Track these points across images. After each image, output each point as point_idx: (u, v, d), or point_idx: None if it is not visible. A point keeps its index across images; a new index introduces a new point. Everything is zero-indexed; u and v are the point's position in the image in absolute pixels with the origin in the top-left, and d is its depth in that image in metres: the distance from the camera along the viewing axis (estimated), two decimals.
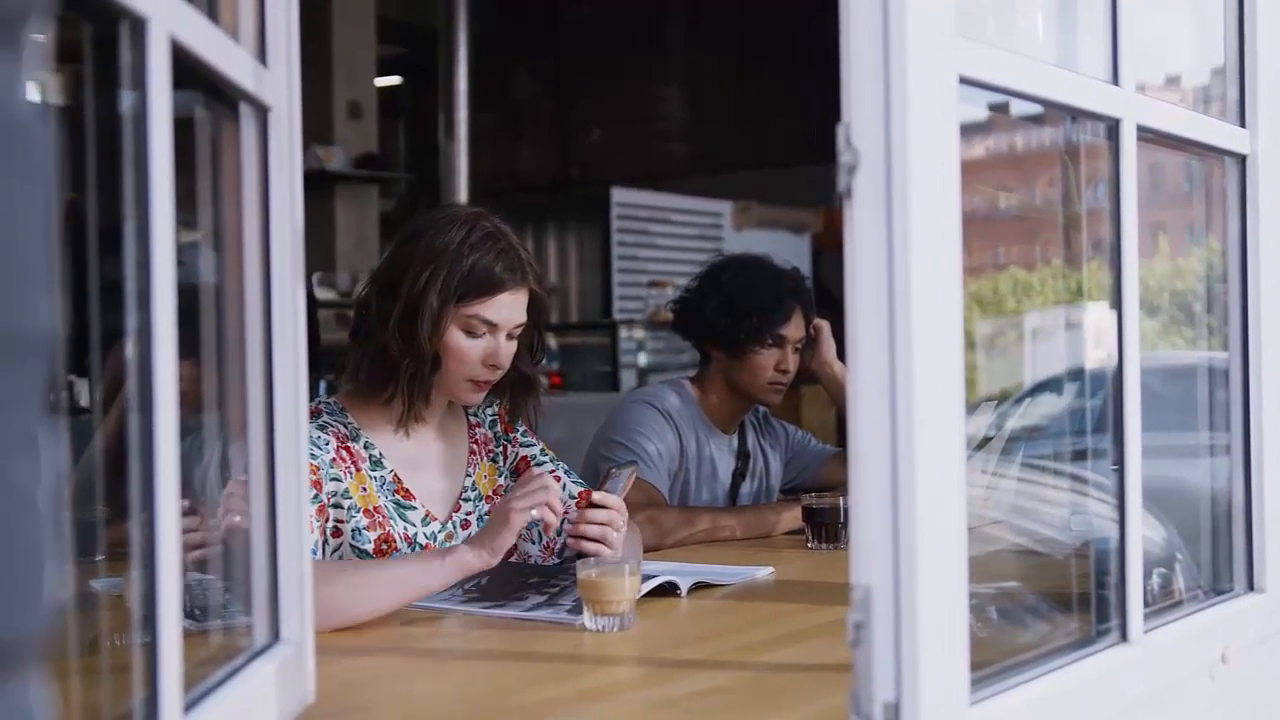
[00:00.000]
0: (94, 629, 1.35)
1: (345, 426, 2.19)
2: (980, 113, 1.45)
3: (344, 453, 2.16)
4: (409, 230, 2.24)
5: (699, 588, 2.16)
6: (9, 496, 0.54)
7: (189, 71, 1.12)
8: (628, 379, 7.41)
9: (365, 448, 2.21)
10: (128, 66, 1.01)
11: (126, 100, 1.02)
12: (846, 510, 2.63)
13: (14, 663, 0.55)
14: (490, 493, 2.35)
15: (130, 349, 1.02)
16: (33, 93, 0.57)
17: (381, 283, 2.20)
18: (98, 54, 1.03)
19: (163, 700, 1.01)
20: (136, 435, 1.01)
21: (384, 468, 2.21)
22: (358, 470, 2.17)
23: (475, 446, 2.36)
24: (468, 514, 2.30)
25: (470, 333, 2.18)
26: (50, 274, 0.57)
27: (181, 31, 1.06)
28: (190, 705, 1.10)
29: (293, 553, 1.38)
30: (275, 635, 1.37)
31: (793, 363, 3.00)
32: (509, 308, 2.20)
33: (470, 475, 2.33)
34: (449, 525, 2.27)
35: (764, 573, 2.33)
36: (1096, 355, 1.93)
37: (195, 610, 1.36)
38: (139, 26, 0.99)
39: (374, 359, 2.19)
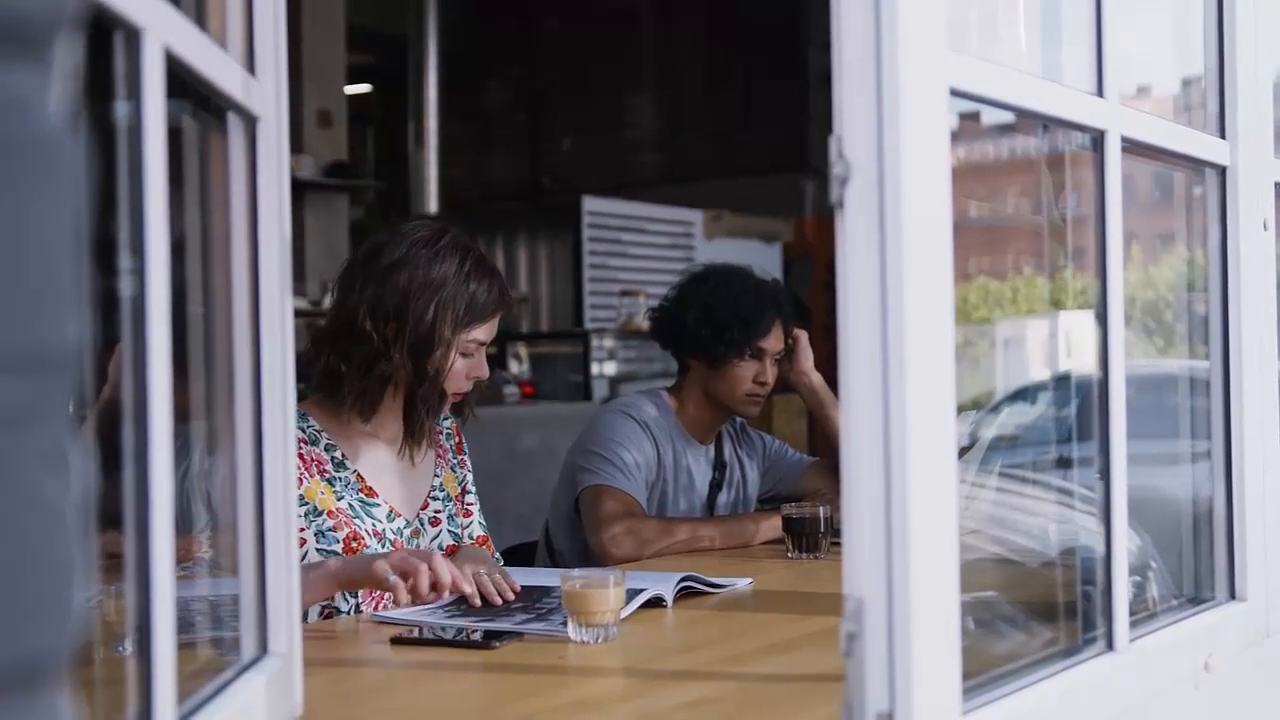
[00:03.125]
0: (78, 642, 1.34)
1: (303, 431, 2.22)
2: (951, 121, 1.46)
3: (298, 459, 2.17)
4: (393, 257, 2.25)
5: (684, 595, 2.16)
6: (39, 512, 0.54)
7: (178, 80, 1.11)
8: (599, 388, 7.40)
9: (326, 450, 2.26)
10: (122, 76, 1.00)
11: (120, 110, 1.02)
12: (826, 520, 2.64)
13: (46, 679, 0.54)
14: (456, 495, 2.44)
15: (125, 359, 1.01)
16: (61, 105, 0.57)
17: (375, 309, 2.22)
18: (89, 63, 1.03)
19: (157, 715, 1.00)
20: (131, 447, 1.00)
21: (347, 469, 2.26)
22: (313, 476, 2.22)
23: (441, 450, 2.45)
24: (436, 511, 2.39)
25: (465, 354, 2.28)
26: (79, 288, 0.57)
27: (175, 42, 1.05)
28: (181, 719, 1.09)
29: (281, 566, 1.38)
30: (263, 648, 1.36)
31: (771, 375, 3.01)
32: (495, 326, 2.33)
33: (439, 476, 2.41)
34: (415, 522, 2.34)
35: (744, 583, 2.33)
36: (1070, 364, 1.95)
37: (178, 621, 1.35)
38: (134, 36, 0.99)
39: (378, 386, 2.24)
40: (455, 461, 2.48)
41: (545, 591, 2.16)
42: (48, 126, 0.56)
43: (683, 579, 2.17)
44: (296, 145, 7.31)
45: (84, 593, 0.58)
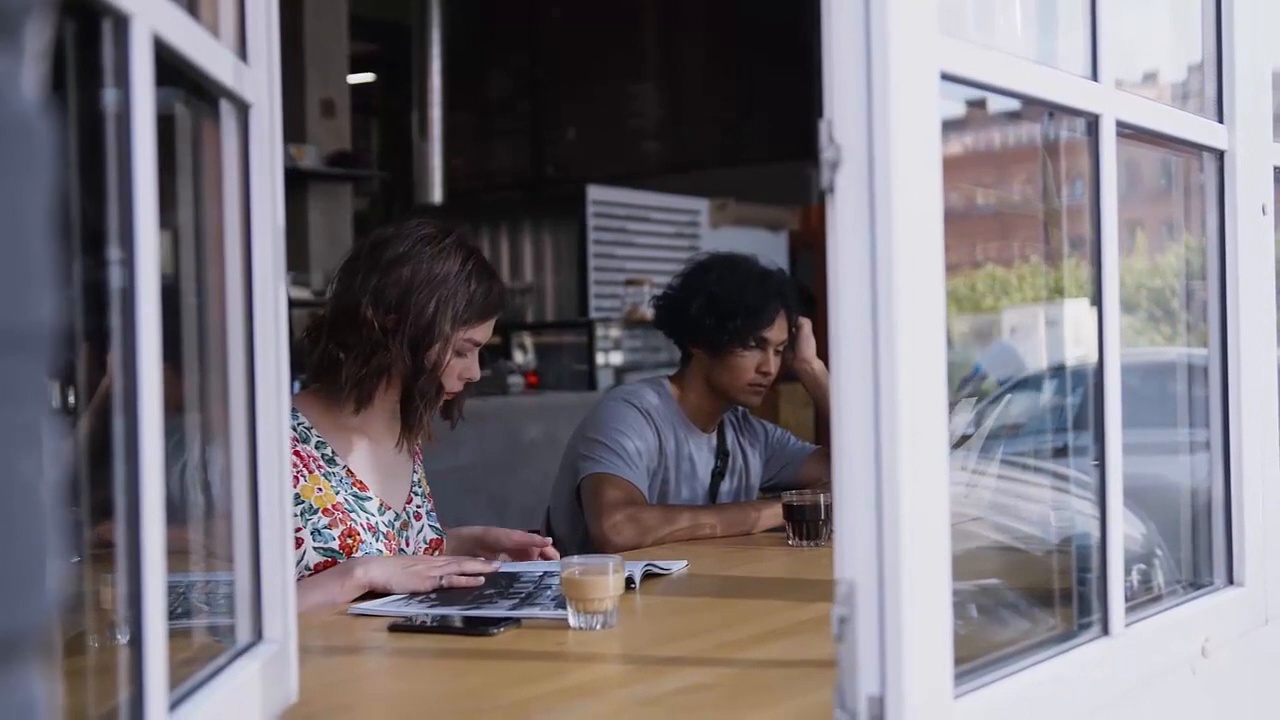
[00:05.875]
0: (71, 629, 1.35)
1: (294, 429, 2.23)
2: (957, 109, 1.46)
3: (294, 457, 2.19)
4: (397, 251, 2.27)
5: (648, 577, 2.21)
6: (14, 490, 0.54)
7: (169, 68, 1.11)
8: (604, 378, 7.41)
9: (317, 447, 2.28)
10: (110, 63, 1.00)
11: (108, 97, 1.02)
12: (827, 507, 2.64)
13: (18, 655, 0.55)
14: (428, 493, 2.49)
15: (113, 349, 1.01)
16: (33, 88, 0.57)
17: (377, 300, 2.24)
18: (79, 50, 1.03)
19: (148, 699, 1.00)
20: (121, 436, 1.00)
21: (338, 464, 2.29)
22: (311, 472, 2.24)
23: (417, 449, 2.48)
24: (418, 507, 2.43)
25: (459, 353, 2.30)
26: (51, 269, 0.57)
27: (164, 28, 1.05)
28: (174, 704, 1.10)
29: (275, 552, 1.38)
30: (258, 634, 1.37)
31: (774, 365, 3.00)
32: (491, 329, 2.36)
33: (416, 473, 2.46)
34: (404, 515, 2.38)
35: (680, 565, 2.37)
36: (1075, 352, 1.95)
37: (175, 609, 1.35)
38: (122, 23, 0.99)
39: (375, 376, 2.26)
40: (423, 459, 2.53)
41: (515, 578, 2.18)
42: (18, 109, 0.56)
43: (645, 572, 2.22)
44: (300, 135, 7.32)
45: (59, 570, 0.58)
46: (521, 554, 2.40)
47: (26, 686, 0.55)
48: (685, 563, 2.40)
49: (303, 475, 2.21)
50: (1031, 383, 2.66)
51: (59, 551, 0.58)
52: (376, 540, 2.26)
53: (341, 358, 2.24)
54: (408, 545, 2.35)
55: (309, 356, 2.30)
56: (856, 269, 1.16)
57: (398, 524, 2.35)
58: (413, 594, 2.08)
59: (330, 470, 2.27)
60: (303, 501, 2.20)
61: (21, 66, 0.56)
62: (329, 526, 2.21)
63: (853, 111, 1.16)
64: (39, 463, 0.56)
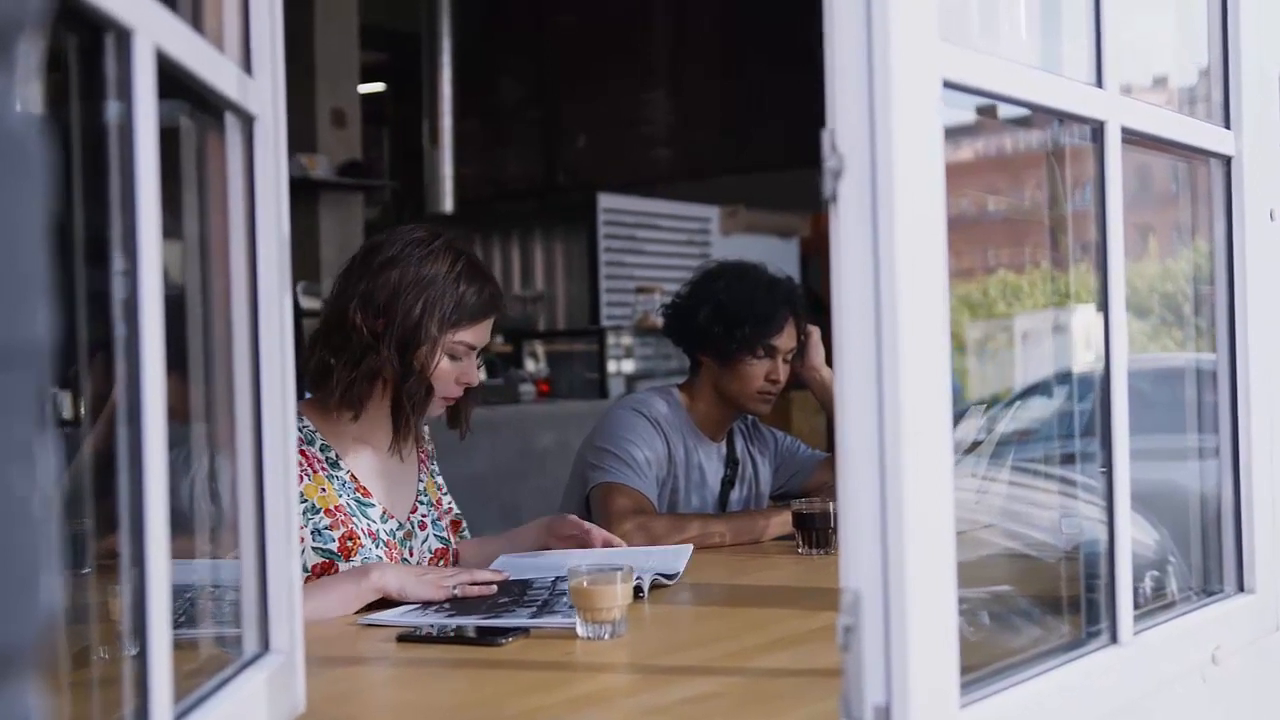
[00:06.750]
0: (80, 641, 1.35)
1: (300, 431, 2.24)
2: (968, 115, 1.46)
3: (299, 457, 2.19)
4: (386, 255, 2.28)
5: (655, 587, 2.20)
6: (6, 506, 0.54)
7: (173, 81, 1.11)
8: (616, 386, 7.40)
9: (321, 450, 2.29)
10: (113, 77, 1.00)
11: (111, 110, 1.02)
12: (836, 515, 2.63)
13: (11, 671, 0.55)
14: (435, 501, 2.48)
15: (117, 361, 1.02)
16: (27, 104, 0.57)
17: (365, 304, 2.25)
18: (82, 63, 1.03)
19: (153, 711, 1.01)
20: (125, 448, 1.00)
21: (342, 469, 2.30)
22: (315, 473, 2.25)
23: (423, 457, 2.48)
24: (423, 516, 2.43)
25: (453, 356, 2.30)
26: (45, 284, 0.57)
27: (167, 42, 1.06)
28: (180, 716, 1.10)
29: (282, 563, 1.38)
30: (265, 645, 1.37)
31: (783, 373, 3.00)
32: (487, 331, 2.35)
33: (422, 481, 2.45)
34: (407, 524, 2.38)
35: (685, 551, 2.40)
36: (1086, 358, 1.94)
37: (180, 618, 1.36)
38: (124, 37, 0.99)
39: (365, 380, 2.26)
40: (433, 469, 2.52)
41: (527, 585, 2.18)
42: (12, 124, 0.56)
43: (652, 583, 2.20)
44: (310, 145, 7.32)
45: (54, 585, 0.59)
46: (581, 543, 2.43)
47: (21, 700, 0.55)
48: (690, 547, 2.41)
49: (307, 474, 2.22)
50: (1042, 389, 2.65)
51: (53, 566, 0.58)
52: (376, 546, 2.26)
53: (332, 363, 2.25)
54: (411, 555, 2.35)
55: (306, 365, 2.30)
56: (859, 277, 1.16)
57: (400, 533, 2.35)
58: (426, 604, 2.07)
59: (334, 474, 2.27)
60: (305, 500, 2.20)
61: (14, 82, 0.56)
62: (330, 528, 2.22)
63: (855, 120, 1.17)
64: (33, 477, 0.56)
